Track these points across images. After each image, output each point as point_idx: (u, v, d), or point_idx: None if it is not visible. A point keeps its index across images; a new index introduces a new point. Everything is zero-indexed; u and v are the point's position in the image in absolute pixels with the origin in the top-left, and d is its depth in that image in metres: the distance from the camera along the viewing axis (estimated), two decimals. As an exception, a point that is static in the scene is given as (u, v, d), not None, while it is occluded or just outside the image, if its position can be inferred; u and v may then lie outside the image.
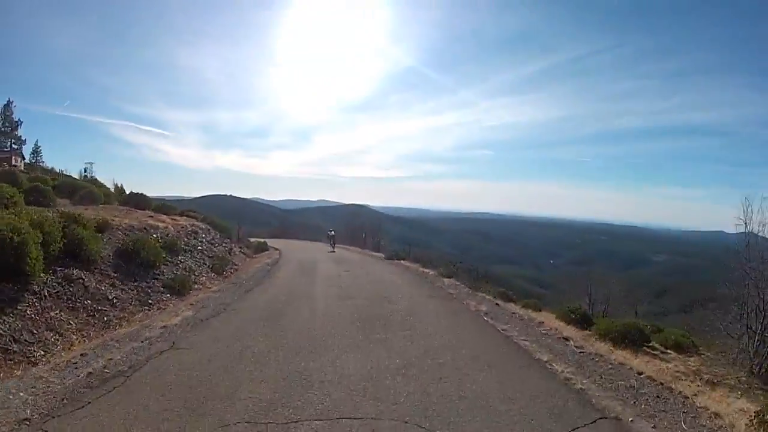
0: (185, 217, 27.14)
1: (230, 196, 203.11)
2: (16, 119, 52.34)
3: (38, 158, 53.06)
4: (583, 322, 12.32)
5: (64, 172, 71.94)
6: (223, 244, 24.02)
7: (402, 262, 24.87)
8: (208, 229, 25.22)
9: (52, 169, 64.76)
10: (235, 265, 21.18)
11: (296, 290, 15.36)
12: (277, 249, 31.31)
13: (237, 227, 31.32)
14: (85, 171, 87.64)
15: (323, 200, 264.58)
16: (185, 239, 19.64)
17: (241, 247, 27.55)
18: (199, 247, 19.95)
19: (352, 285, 16.67)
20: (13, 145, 50.36)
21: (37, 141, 54.57)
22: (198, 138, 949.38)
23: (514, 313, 13.02)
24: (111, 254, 13.63)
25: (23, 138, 52.65)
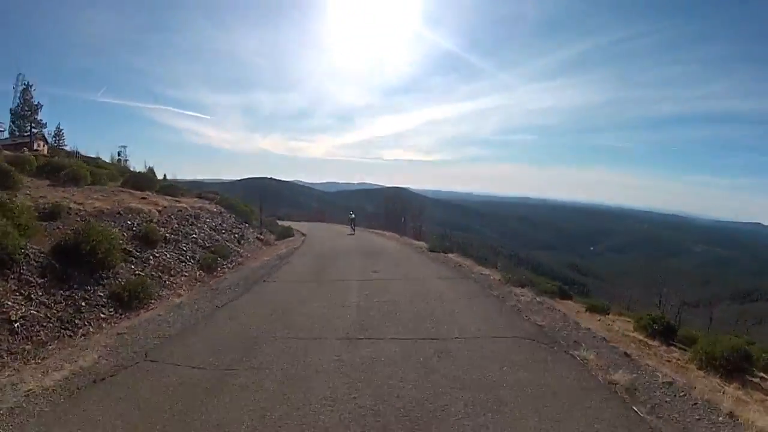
0: (198, 199, 23.36)
1: (271, 179, 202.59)
2: (36, 103, 49.65)
3: (60, 141, 50.57)
4: (667, 333, 10.53)
5: (91, 156, 71.10)
6: (235, 231, 19.92)
7: (450, 256, 18.80)
8: (220, 213, 21.24)
9: (76, 152, 63.21)
10: (240, 257, 16.88)
11: (287, 316, 9.17)
12: (303, 234, 27.27)
13: (259, 210, 27.19)
14: (119, 154, 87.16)
15: (364, 183, 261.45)
16: (176, 226, 15.51)
17: (261, 234, 23.49)
18: (194, 236, 15.75)
19: (381, 304, 9.83)
20: (33, 129, 48.01)
21: (59, 124, 52.23)
22: (239, 121, 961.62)
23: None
24: (46, 252, 9.46)
25: (43, 121, 50.10)
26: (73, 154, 44.50)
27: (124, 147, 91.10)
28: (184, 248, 14.30)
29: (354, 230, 31.69)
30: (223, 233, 18.43)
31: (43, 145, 48.63)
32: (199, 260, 14.05)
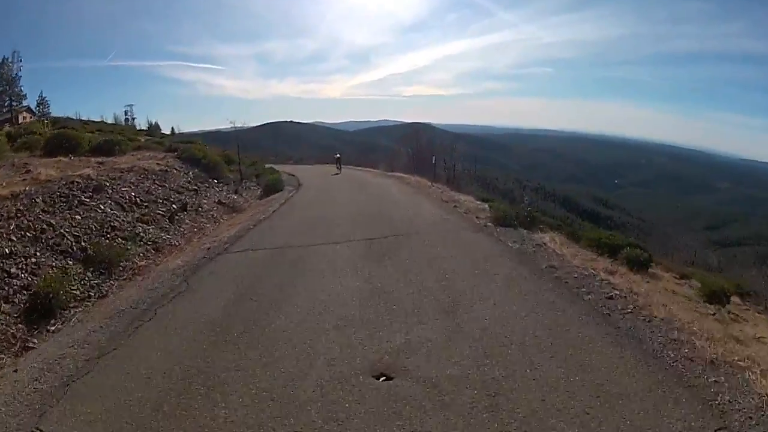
0: (147, 155, 16.30)
1: (290, 122, 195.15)
2: (13, 75, 44.73)
3: (44, 110, 46.82)
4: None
5: (93, 120, 65.58)
6: (175, 199, 12.61)
7: (545, 240, 9.01)
8: (165, 172, 14.22)
9: (67, 118, 58.11)
10: (157, 251, 9.49)
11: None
12: (295, 187, 19.75)
13: (238, 161, 19.71)
14: (126, 114, 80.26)
15: (384, 120, 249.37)
16: (40, 214, 8.28)
17: (235, 192, 16.31)
18: (63, 229, 8.43)
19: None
20: (13, 102, 42.72)
21: (41, 92, 47.47)
22: (254, 69, 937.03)
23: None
24: None
25: (23, 93, 45.54)
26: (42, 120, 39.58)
27: (131, 106, 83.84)
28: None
29: (340, 170, 29.74)
30: (144, 208, 11.05)
31: (30, 118, 42.97)
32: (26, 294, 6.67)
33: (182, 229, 11.27)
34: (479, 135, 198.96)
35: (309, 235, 9.70)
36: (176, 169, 15.09)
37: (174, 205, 12.16)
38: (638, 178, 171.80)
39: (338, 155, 34.35)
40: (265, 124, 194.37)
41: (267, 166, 28.89)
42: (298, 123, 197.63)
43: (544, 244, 8.34)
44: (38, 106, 44.64)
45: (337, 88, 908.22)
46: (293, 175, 25.33)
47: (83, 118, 65.68)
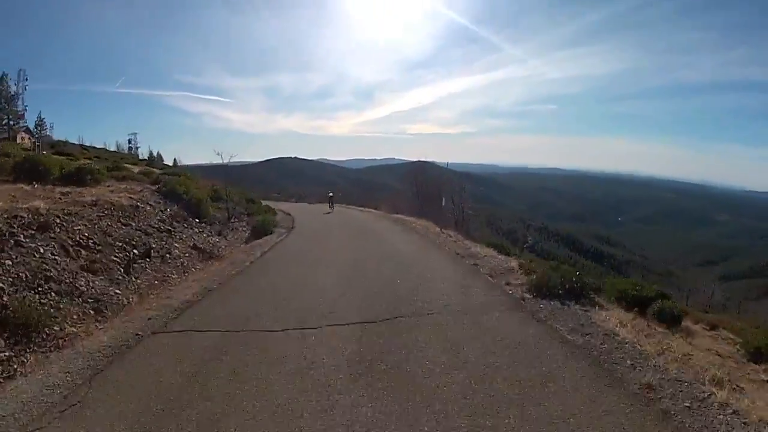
0: (123, 187, 14.42)
1: (295, 158, 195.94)
2: (12, 93, 43.20)
3: (41, 132, 45.49)
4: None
5: (95, 146, 63.93)
6: (140, 242, 10.64)
7: (605, 318, 6.72)
8: (136, 208, 12.21)
9: (65, 141, 56.39)
10: (102, 311, 7.50)
11: None
12: (286, 230, 17.79)
13: (226, 198, 17.85)
14: (129, 142, 79.72)
15: (389, 158, 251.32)
16: None
17: (219, 234, 14.40)
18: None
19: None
20: (10, 122, 40.79)
21: (40, 113, 46.22)
22: (260, 103, 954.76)
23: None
24: None
25: (21, 112, 43.86)
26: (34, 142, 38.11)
27: (135, 134, 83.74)
28: None
29: (332, 208, 30.24)
30: (95, 253, 9.06)
31: (28, 139, 41.38)
32: None
33: (139, 282, 9.22)
34: (483, 174, 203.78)
35: (281, 308, 7.37)
36: (151, 205, 13.18)
37: (136, 250, 10.16)
38: (640, 213, 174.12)
39: (331, 194, 35.01)
40: (270, 159, 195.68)
41: (265, 203, 27.21)
42: (303, 159, 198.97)
43: (614, 333, 6.00)
44: (36, 128, 42.97)
45: (343, 125, 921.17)
46: (289, 215, 23.63)
47: (85, 144, 64.55)
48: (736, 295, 49.79)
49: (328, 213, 27.22)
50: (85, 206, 10.87)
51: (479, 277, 9.52)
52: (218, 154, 18.44)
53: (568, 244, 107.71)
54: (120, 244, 10.06)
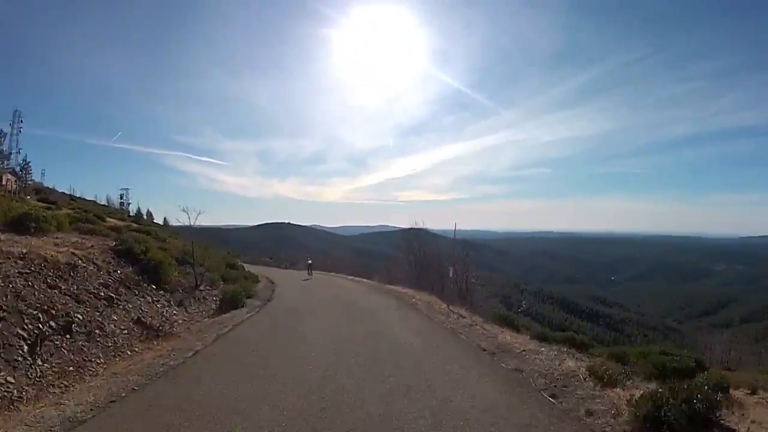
0: (72, 241, 12.01)
1: (289, 223, 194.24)
2: None
3: (26, 176, 42.16)
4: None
5: (86, 198, 61.21)
6: (87, 303, 8.25)
7: None
8: (82, 266, 9.84)
9: (52, 189, 53.92)
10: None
11: None
12: (262, 303, 15.51)
13: (193, 261, 15.41)
14: (121, 197, 77.65)
15: (383, 225, 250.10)
16: None
17: (177, 306, 11.98)
18: None
19: None
20: None
21: (26, 156, 42.65)
22: (255, 167, 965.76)
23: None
24: None
25: (8, 152, 41.28)
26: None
27: (126, 189, 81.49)
28: None
29: (311, 275, 30.74)
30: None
31: (14, 181, 38.96)
32: None
33: (45, 368, 6.74)
34: (478, 239, 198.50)
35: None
36: (96, 265, 10.80)
37: (53, 322, 7.71)
38: (635, 271, 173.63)
39: (310, 261, 36.54)
40: (264, 224, 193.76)
41: (252, 269, 25.20)
42: (297, 225, 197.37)
43: None
44: (21, 171, 40.05)
45: (336, 191, 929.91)
46: (273, 283, 21.49)
47: (75, 194, 61.97)
48: (737, 342, 48.94)
49: (307, 279, 27.05)
50: (8, 258, 8.58)
51: (534, 397, 5.99)
52: (184, 210, 16.24)
53: (564, 306, 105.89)
54: (34, 312, 7.63)
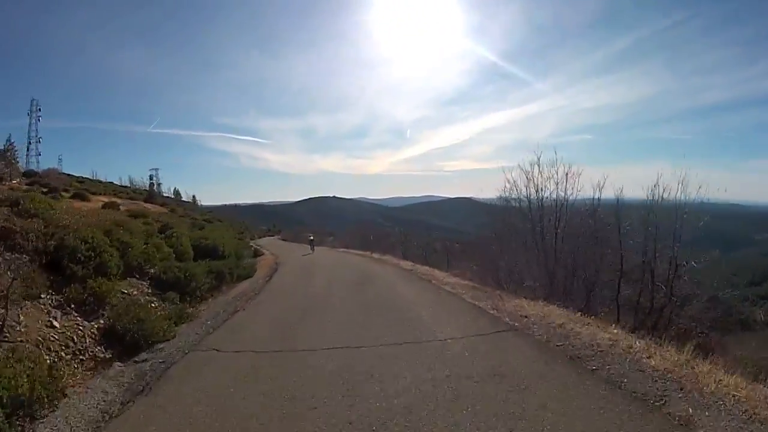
0: None
1: (333, 197, 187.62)
2: None
3: (12, 159, 36.36)
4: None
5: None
6: None
7: None
8: None
9: (61, 173, 49.53)
10: None
11: None
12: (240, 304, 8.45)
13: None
14: (151, 178, 71.95)
15: (429, 195, 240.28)
16: None
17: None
18: None
19: None
20: None
21: (9, 136, 36.59)
22: (297, 144, 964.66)
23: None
24: None
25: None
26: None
27: (156, 170, 76.05)
28: None
29: (313, 250, 29.89)
30: None
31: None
32: None
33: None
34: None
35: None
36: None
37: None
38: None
39: (312, 237, 35.37)
40: (307, 199, 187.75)
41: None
42: (342, 198, 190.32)
43: None
44: (6, 152, 33.10)
45: (380, 163, 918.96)
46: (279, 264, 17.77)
47: (96, 178, 56.97)
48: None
49: (307, 255, 26.26)
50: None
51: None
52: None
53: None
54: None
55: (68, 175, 49.21)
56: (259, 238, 59.72)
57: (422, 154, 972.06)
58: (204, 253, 14.19)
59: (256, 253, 26.32)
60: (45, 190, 24.81)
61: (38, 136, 57.73)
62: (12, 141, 34.43)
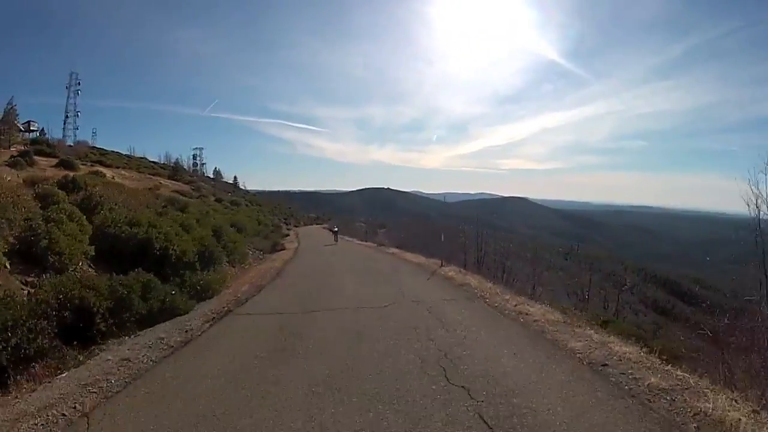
0: None
1: (387, 188, 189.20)
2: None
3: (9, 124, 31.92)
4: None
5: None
6: None
7: None
8: None
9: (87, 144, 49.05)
10: None
11: None
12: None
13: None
14: (194, 157, 73.62)
15: (483, 192, 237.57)
16: None
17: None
18: None
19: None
20: None
21: (11, 99, 33.16)
22: (352, 133, 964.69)
23: None
24: None
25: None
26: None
27: (200, 149, 75.88)
28: None
29: (336, 240, 29.72)
30: None
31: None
32: None
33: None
34: (576, 211, 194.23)
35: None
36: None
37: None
38: (730, 254, 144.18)
39: (336, 228, 35.04)
40: (361, 189, 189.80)
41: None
42: (396, 191, 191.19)
43: None
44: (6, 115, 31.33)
45: (436, 158, 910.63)
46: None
47: (132, 154, 56.50)
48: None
49: (330, 245, 26.31)
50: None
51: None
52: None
53: (663, 285, 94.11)
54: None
55: (95, 147, 48.64)
56: (305, 225, 61.05)
57: (478, 150, 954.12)
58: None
59: (274, 248, 22.93)
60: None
61: (76, 110, 58.14)
62: (13, 104, 32.28)
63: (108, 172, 26.72)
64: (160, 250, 10.15)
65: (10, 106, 31.19)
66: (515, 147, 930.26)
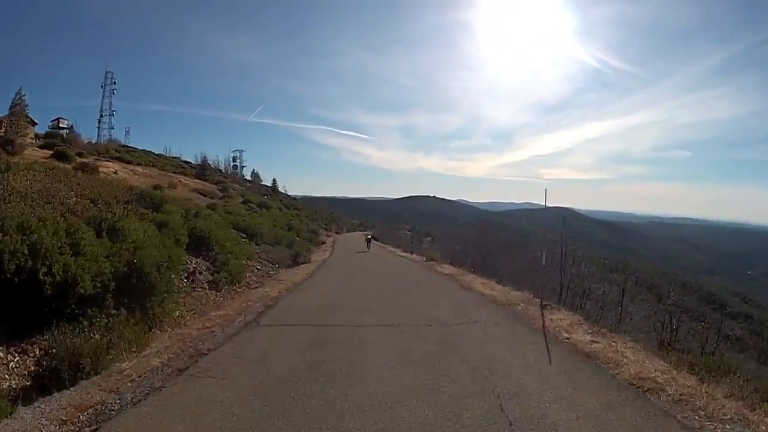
0: None
1: (433, 197, 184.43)
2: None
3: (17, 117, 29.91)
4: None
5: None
6: None
7: None
8: None
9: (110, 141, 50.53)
10: None
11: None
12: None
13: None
14: (234, 159, 71.49)
15: (527, 202, 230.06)
16: None
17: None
18: None
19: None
20: None
21: (20, 89, 30.32)
22: (398, 141, 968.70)
23: None
24: None
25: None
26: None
27: (240, 152, 75.53)
28: None
29: (369, 248, 28.82)
30: None
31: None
32: None
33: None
34: (620, 222, 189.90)
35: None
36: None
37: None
38: None
39: (370, 236, 34.15)
40: (406, 197, 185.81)
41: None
42: (441, 199, 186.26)
43: None
44: (16, 106, 28.96)
45: (481, 166, 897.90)
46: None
47: (166, 153, 58.67)
48: None
49: (363, 252, 26.08)
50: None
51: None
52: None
53: (709, 300, 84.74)
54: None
55: (124, 146, 48.71)
56: (347, 232, 59.20)
57: (523, 160, 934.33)
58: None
59: (295, 260, 17.22)
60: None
61: (112, 109, 58.92)
62: (23, 94, 29.37)
63: (115, 167, 25.18)
64: (20, 273, 5.27)
65: (18, 97, 28.66)
66: (560, 156, 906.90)
